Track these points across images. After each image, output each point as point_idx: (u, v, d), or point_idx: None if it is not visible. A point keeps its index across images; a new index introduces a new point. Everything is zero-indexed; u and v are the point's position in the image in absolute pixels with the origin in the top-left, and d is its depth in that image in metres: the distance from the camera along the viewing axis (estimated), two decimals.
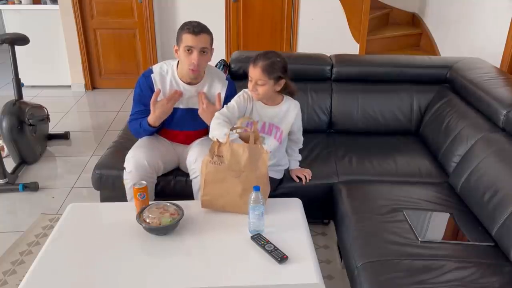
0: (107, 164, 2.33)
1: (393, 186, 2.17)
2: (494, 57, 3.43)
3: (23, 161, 3.23)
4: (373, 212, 1.95)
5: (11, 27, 4.62)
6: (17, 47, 3.31)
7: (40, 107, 3.43)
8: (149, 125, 2.19)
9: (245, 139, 1.88)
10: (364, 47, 4.62)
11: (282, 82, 2.02)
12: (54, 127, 3.91)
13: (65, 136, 3.71)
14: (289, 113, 2.11)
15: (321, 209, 2.34)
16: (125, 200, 2.16)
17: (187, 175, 2.22)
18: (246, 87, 2.07)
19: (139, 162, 2.10)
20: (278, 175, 2.22)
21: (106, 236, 1.72)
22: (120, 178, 2.18)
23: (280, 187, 2.23)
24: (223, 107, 2.07)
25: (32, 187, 2.93)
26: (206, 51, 2.09)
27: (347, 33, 4.61)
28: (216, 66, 2.68)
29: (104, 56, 4.83)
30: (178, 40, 2.09)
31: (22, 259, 2.28)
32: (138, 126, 2.23)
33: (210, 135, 1.96)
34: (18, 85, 3.33)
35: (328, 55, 2.88)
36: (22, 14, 4.63)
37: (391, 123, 2.74)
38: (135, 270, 1.54)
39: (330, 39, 4.60)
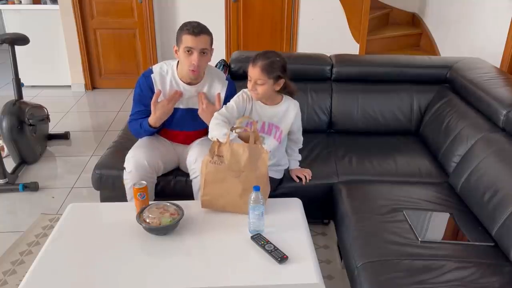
0: (107, 164, 2.33)
1: (393, 186, 2.17)
2: (494, 57, 3.43)
3: (23, 161, 3.23)
4: (373, 212, 1.95)
5: (11, 27, 4.62)
6: (17, 47, 3.31)
7: (40, 107, 3.43)
8: (150, 125, 2.19)
9: (244, 139, 1.88)
10: (364, 47, 4.62)
11: (282, 81, 2.02)
12: (54, 127, 3.91)
13: (65, 136, 3.71)
14: (288, 112, 2.11)
15: (321, 209, 2.34)
16: (125, 200, 2.16)
17: (187, 175, 2.22)
18: (246, 87, 2.07)
19: (139, 162, 2.10)
20: (278, 175, 2.22)
21: (106, 236, 1.72)
22: (120, 178, 2.18)
23: (280, 187, 2.23)
24: (222, 107, 2.08)
25: (32, 187, 2.93)
26: (206, 52, 2.08)
27: (347, 33, 4.61)
28: (216, 66, 2.68)
29: (104, 56, 4.83)
30: (178, 40, 2.09)
31: (22, 259, 2.28)
32: (138, 127, 2.23)
33: (209, 135, 1.97)
34: (18, 85, 3.33)
35: (328, 55, 2.88)
36: (22, 14, 4.63)
37: (391, 123, 2.74)
38: (135, 270, 1.54)
39: (330, 39, 4.60)
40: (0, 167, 2.92)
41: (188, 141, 2.31)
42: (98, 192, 2.40)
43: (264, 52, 2.00)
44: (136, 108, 2.25)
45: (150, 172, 2.13)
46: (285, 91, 2.11)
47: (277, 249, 1.60)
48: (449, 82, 2.70)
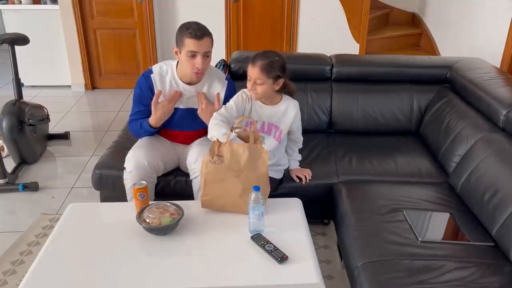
0: (107, 164, 2.33)
1: (393, 186, 2.17)
2: (494, 57, 3.43)
3: (23, 161, 3.23)
4: (373, 212, 1.95)
5: (11, 27, 4.62)
6: (17, 47, 3.31)
7: (40, 107, 3.43)
8: (150, 126, 2.19)
9: (244, 139, 1.88)
10: (364, 47, 4.62)
11: (281, 81, 2.03)
12: (54, 127, 3.91)
13: (65, 136, 3.71)
14: (288, 112, 2.11)
15: (321, 209, 2.34)
16: (125, 200, 2.16)
17: (187, 175, 2.22)
18: (246, 87, 2.07)
19: (139, 162, 2.10)
20: (278, 175, 2.22)
21: (106, 236, 1.72)
22: (120, 178, 2.18)
23: (280, 187, 2.23)
24: (222, 107, 2.08)
25: (32, 187, 2.93)
26: (209, 54, 2.09)
27: (347, 33, 4.61)
28: (216, 66, 2.68)
29: (104, 56, 4.83)
30: (180, 43, 2.07)
31: (22, 259, 2.28)
32: (138, 127, 2.23)
33: (209, 135, 1.97)
34: (18, 85, 3.33)
35: (328, 55, 2.88)
36: (22, 14, 4.63)
37: (391, 123, 2.74)
38: (135, 270, 1.54)
39: (330, 39, 4.60)
40: (0, 167, 2.92)
41: (188, 141, 2.31)
42: (98, 192, 2.40)
43: (264, 52, 2.00)
44: (136, 108, 2.25)
45: (150, 172, 2.13)
46: (285, 90, 2.11)
47: (277, 249, 1.60)
48: (449, 82, 2.70)
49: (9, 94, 3.50)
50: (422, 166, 2.37)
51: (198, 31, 2.02)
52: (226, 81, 2.27)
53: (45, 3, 4.72)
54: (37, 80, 4.87)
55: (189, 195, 2.18)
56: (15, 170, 3.10)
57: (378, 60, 2.94)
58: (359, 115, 2.72)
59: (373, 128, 2.74)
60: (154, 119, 2.17)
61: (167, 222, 1.67)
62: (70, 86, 4.92)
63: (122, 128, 2.77)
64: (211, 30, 2.09)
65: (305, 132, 2.28)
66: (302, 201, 1.97)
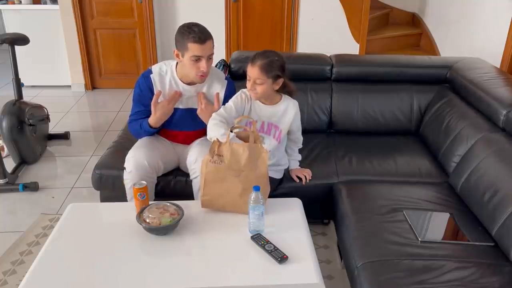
0: (107, 164, 2.33)
1: (393, 186, 2.17)
2: (494, 57, 3.43)
3: (23, 161, 3.23)
4: (373, 212, 1.95)
5: (11, 27, 4.62)
6: (17, 47, 3.31)
7: (40, 107, 3.43)
8: (150, 126, 2.19)
9: (243, 139, 1.88)
10: (364, 47, 4.62)
11: (280, 81, 2.03)
12: (54, 127, 3.91)
13: (65, 136, 3.71)
14: (287, 112, 2.11)
15: (321, 209, 2.34)
16: (125, 200, 2.16)
17: (187, 175, 2.22)
18: (246, 87, 2.07)
19: (139, 162, 2.10)
20: (278, 175, 2.22)
21: (106, 236, 1.72)
22: (120, 178, 2.18)
23: (280, 187, 2.23)
24: (221, 107, 2.08)
25: (32, 187, 2.93)
26: (211, 56, 2.09)
27: (347, 33, 4.61)
28: (216, 66, 2.68)
29: (104, 56, 4.83)
30: (182, 47, 2.05)
31: (22, 259, 2.28)
32: (138, 127, 2.23)
33: (208, 136, 1.98)
34: (18, 85, 3.33)
35: (328, 55, 2.88)
36: (22, 14, 4.63)
37: (391, 123, 2.74)
38: (135, 270, 1.54)
39: (330, 39, 4.60)
40: (0, 167, 2.92)
41: (188, 141, 2.31)
42: (98, 192, 2.40)
43: (263, 52, 2.00)
44: (136, 108, 2.25)
45: (150, 172, 2.13)
46: (284, 90, 2.11)
47: (277, 249, 1.60)
48: (449, 82, 2.70)
49: (9, 94, 3.50)
50: (422, 166, 2.37)
51: (201, 34, 2.01)
52: (226, 81, 2.27)
53: (45, 3, 4.72)
54: (37, 80, 4.87)
55: (189, 195, 2.18)
56: (15, 170, 3.10)
57: (378, 60, 2.94)
58: (359, 115, 2.72)
59: (373, 128, 2.74)
60: (154, 119, 2.17)
61: (167, 222, 1.67)
62: (70, 86, 4.92)
63: (122, 128, 2.77)
64: (211, 30, 2.09)
65: (305, 132, 2.28)
66: (302, 201, 1.97)
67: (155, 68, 2.22)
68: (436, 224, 1.92)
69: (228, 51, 4.69)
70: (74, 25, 4.61)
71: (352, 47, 4.58)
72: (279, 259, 1.56)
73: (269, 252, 1.59)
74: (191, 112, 2.22)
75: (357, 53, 4.54)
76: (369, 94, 2.75)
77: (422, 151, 2.53)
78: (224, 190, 1.81)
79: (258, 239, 1.66)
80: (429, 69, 2.77)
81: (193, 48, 2.01)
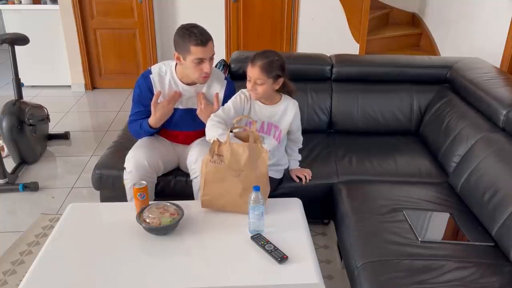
0: (107, 164, 2.33)
1: (393, 186, 2.17)
2: (494, 57, 3.43)
3: (23, 161, 3.23)
4: (373, 212, 1.95)
5: (11, 27, 4.62)
6: (17, 47, 3.31)
7: (40, 107, 3.43)
8: (150, 126, 2.19)
9: (243, 139, 1.88)
10: (364, 47, 4.62)
11: (281, 80, 2.03)
12: (54, 127, 3.91)
13: (65, 136, 3.71)
14: (287, 112, 2.11)
15: (321, 209, 2.34)
16: (125, 200, 2.16)
17: (187, 175, 2.22)
18: (246, 87, 2.07)
19: (139, 162, 2.10)
20: (278, 175, 2.22)
21: (106, 236, 1.72)
22: (120, 178, 2.18)
23: (280, 187, 2.23)
24: (220, 107, 2.08)
25: (32, 187, 2.93)
26: (213, 57, 2.10)
27: (347, 33, 4.61)
28: (216, 66, 2.68)
29: (104, 56, 4.83)
30: (183, 50, 2.03)
31: (22, 259, 2.28)
32: (138, 128, 2.23)
33: (206, 137, 1.99)
34: (18, 85, 3.33)
35: (328, 55, 2.88)
36: (22, 14, 4.63)
37: (391, 123, 2.74)
38: (135, 270, 1.54)
39: (330, 39, 4.60)
40: (0, 167, 2.92)
41: (188, 141, 2.31)
42: (98, 192, 2.40)
43: (263, 52, 2.00)
44: (136, 109, 2.25)
45: (150, 172, 2.13)
46: (284, 90, 2.11)
47: (277, 249, 1.60)
48: (449, 82, 2.70)
49: (9, 94, 3.50)
50: (422, 166, 2.37)
51: (202, 37, 2.00)
52: (225, 81, 2.27)
53: (45, 3, 4.72)
54: (37, 80, 4.87)
55: (189, 195, 2.18)
56: (15, 170, 3.10)
57: (378, 60, 2.94)
58: (359, 115, 2.72)
59: (373, 128, 2.74)
60: (154, 120, 2.17)
61: (167, 222, 1.67)
62: (70, 86, 4.92)
63: (122, 128, 2.77)
64: (211, 30, 2.09)
65: (305, 132, 2.28)
66: (302, 201, 1.97)
67: (154, 68, 2.22)
68: (436, 224, 1.92)
69: (228, 51, 4.69)
70: (74, 25, 4.61)
71: (352, 47, 4.58)
72: (279, 259, 1.56)
73: (269, 252, 1.59)
74: (191, 112, 2.22)
75: (357, 53, 4.54)
76: (369, 94, 2.75)
77: (422, 151, 2.53)
78: (224, 190, 1.81)
79: (258, 239, 1.66)
80: (429, 69, 2.77)
81: (196, 51, 2.01)
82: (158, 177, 2.22)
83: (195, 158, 2.13)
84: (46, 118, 3.49)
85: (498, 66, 3.44)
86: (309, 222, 1.83)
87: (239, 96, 2.10)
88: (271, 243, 1.63)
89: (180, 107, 2.23)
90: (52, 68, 4.86)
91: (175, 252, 1.63)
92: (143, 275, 1.51)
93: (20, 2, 4.58)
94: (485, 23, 3.78)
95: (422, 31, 5.09)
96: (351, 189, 2.16)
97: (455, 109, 2.47)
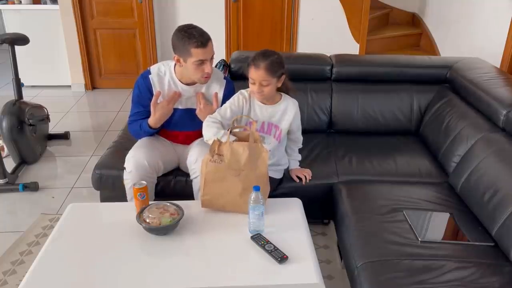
0: (107, 164, 2.33)
1: (393, 186, 2.17)
2: (494, 57, 3.43)
3: (23, 161, 3.23)
4: (373, 212, 1.95)
5: (11, 27, 4.62)
6: (17, 47, 3.31)
7: (40, 107, 3.44)
8: (150, 127, 2.19)
9: (243, 139, 1.88)
10: (364, 47, 4.62)
11: (283, 78, 2.04)
12: (54, 127, 3.91)
13: (65, 136, 3.71)
14: (287, 111, 2.11)
15: (321, 209, 2.34)
16: (125, 200, 2.16)
17: (187, 175, 2.22)
18: (247, 87, 2.07)
19: (139, 162, 2.10)
20: (278, 175, 2.22)
21: (106, 236, 1.72)
22: (120, 178, 2.18)
23: (280, 187, 2.23)
24: (220, 107, 2.08)
25: (32, 187, 2.93)
26: (213, 56, 2.09)
27: (347, 33, 4.61)
28: (216, 66, 2.68)
29: (104, 56, 4.83)
30: (184, 53, 2.03)
31: (22, 259, 2.28)
32: (138, 128, 2.23)
33: (204, 139, 2.00)
34: (18, 85, 3.33)
35: (328, 55, 2.88)
36: (22, 14, 4.63)
37: (391, 123, 2.74)
38: (135, 270, 1.54)
39: (330, 39, 4.60)
40: (0, 167, 2.92)
41: (188, 141, 2.31)
42: (98, 192, 2.40)
43: (262, 53, 1.99)
44: (135, 109, 2.25)
45: (150, 172, 2.13)
46: (283, 87, 2.11)
47: (277, 249, 1.60)
48: (449, 82, 2.70)
49: (9, 94, 3.50)
50: (422, 166, 2.37)
51: (202, 38, 2.00)
52: (225, 81, 2.27)
53: (45, 3, 4.72)
54: (37, 80, 4.87)
55: (189, 195, 2.18)
56: (15, 170, 3.10)
57: (378, 60, 2.94)
58: (359, 115, 2.72)
59: (373, 128, 2.74)
60: (154, 120, 2.17)
61: (167, 222, 1.67)
62: (70, 86, 4.92)
63: (122, 128, 2.77)
64: (211, 30, 2.09)
65: (305, 132, 2.28)
66: (302, 201, 1.97)
67: (153, 68, 2.22)
68: (436, 224, 1.92)
69: (228, 51, 4.69)
70: (74, 25, 4.61)
71: (352, 47, 4.58)
72: (279, 259, 1.56)
73: (269, 252, 1.59)
74: (191, 112, 2.22)
75: (357, 53, 4.54)
76: (369, 94, 2.75)
77: (422, 151, 2.53)
78: (224, 190, 1.81)
79: (258, 239, 1.66)
80: (429, 69, 2.77)
81: (197, 53, 2.01)
82: (158, 177, 2.22)
83: (195, 158, 2.13)
84: (46, 118, 3.49)
85: (498, 66, 3.44)
86: (309, 222, 1.83)
87: (237, 97, 2.10)
88: (271, 243, 1.63)
89: (180, 107, 2.23)
90: (52, 68, 4.86)
91: (175, 252, 1.63)
92: (143, 275, 1.51)
93: (20, 2, 4.58)
94: (485, 23, 3.78)
95: (422, 31, 5.09)
96: (351, 189, 2.16)
97: (455, 109, 2.47)
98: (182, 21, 2.12)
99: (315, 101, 2.74)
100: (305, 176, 2.24)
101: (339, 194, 2.15)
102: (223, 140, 1.83)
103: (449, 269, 1.61)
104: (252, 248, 1.64)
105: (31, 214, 2.68)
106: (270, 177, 1.96)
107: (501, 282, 1.57)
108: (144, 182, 1.83)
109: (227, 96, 2.20)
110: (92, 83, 4.91)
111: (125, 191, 2.17)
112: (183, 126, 2.27)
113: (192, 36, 2.00)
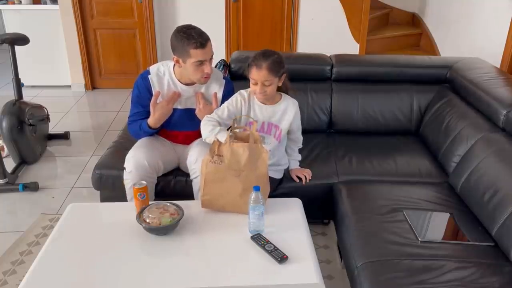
0: (107, 164, 2.33)
1: (393, 186, 2.17)
2: (494, 57, 3.43)
3: (23, 161, 3.23)
4: (373, 212, 1.95)
5: (11, 27, 4.62)
6: (17, 47, 3.31)
7: (40, 107, 3.43)
8: (149, 127, 2.19)
9: (242, 139, 1.88)
10: (364, 47, 4.62)
11: (284, 76, 2.04)
12: (54, 127, 3.91)
13: (65, 136, 3.71)
14: (287, 111, 2.11)
15: (321, 209, 2.34)
16: (125, 200, 2.16)
17: (187, 175, 2.22)
18: (247, 87, 2.07)
19: (139, 162, 2.10)
20: (278, 175, 2.22)
21: (106, 236, 1.72)
22: (120, 178, 2.18)
23: (280, 187, 2.23)
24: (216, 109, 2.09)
25: (32, 187, 2.93)
26: (212, 56, 2.09)
27: (347, 33, 4.61)
28: (216, 66, 2.68)
29: (104, 56, 4.84)
30: (183, 54, 2.02)
31: (22, 259, 2.28)
32: (138, 128, 2.23)
33: (202, 139, 2.01)
34: (18, 85, 3.33)
35: (328, 55, 2.88)
36: (22, 14, 4.63)
37: (391, 123, 2.74)
38: (135, 270, 1.54)
39: (330, 39, 4.60)
40: (0, 167, 2.92)
41: (187, 141, 2.31)
42: (98, 192, 2.40)
43: (262, 53, 1.99)
44: (135, 109, 2.25)
45: (150, 172, 2.13)
46: (282, 86, 2.11)
47: (277, 249, 1.60)
48: (449, 82, 2.70)
49: (9, 94, 3.50)
50: (422, 166, 2.37)
51: (201, 39, 2.00)
52: (224, 81, 2.27)
53: (45, 3, 4.72)
54: (37, 80, 4.87)
55: (189, 195, 2.18)
56: (15, 170, 3.10)
57: (378, 60, 2.94)
58: (359, 115, 2.72)
59: (373, 128, 2.74)
60: (153, 120, 2.17)
61: (167, 222, 1.67)
62: (70, 86, 4.92)
63: (122, 128, 2.77)
64: (211, 30, 2.10)
65: (305, 132, 2.28)
66: (302, 201, 1.97)
67: (152, 69, 2.22)
68: (436, 224, 1.91)
69: (228, 51, 4.69)
70: (74, 25, 4.61)
71: (352, 47, 4.58)
72: (279, 259, 1.56)
73: (269, 252, 1.59)
74: (190, 112, 2.22)
75: (357, 53, 4.54)
76: (369, 94, 2.75)
77: (422, 151, 2.53)
78: (224, 190, 1.81)
79: (258, 239, 1.66)
80: (429, 69, 2.77)
81: (196, 54, 2.00)
82: (158, 177, 2.22)
83: (195, 158, 2.13)
84: (46, 118, 3.49)
85: (498, 66, 3.44)
86: (309, 222, 1.83)
87: (235, 98, 2.10)
88: (271, 243, 1.63)
89: (179, 107, 2.23)
90: (52, 68, 4.86)
91: (175, 252, 1.63)
92: (143, 275, 1.51)
93: (20, 2, 4.58)
94: (485, 23, 3.78)
95: (422, 31, 5.09)
96: (351, 189, 2.16)
97: (455, 109, 2.47)
98: (182, 21, 2.12)
99: (315, 101, 2.74)
100: (305, 176, 2.24)
101: (339, 194, 2.15)
102: (220, 136, 1.83)
103: (449, 269, 1.61)
104: (252, 248, 1.64)
105: (31, 214, 2.68)
106: (270, 177, 1.96)
107: (501, 282, 1.57)
108: (144, 182, 1.83)
109: (226, 96, 2.20)
110: (92, 83, 4.92)
111: (125, 191, 2.17)
112: (182, 126, 2.27)
113: (191, 37, 1.99)
